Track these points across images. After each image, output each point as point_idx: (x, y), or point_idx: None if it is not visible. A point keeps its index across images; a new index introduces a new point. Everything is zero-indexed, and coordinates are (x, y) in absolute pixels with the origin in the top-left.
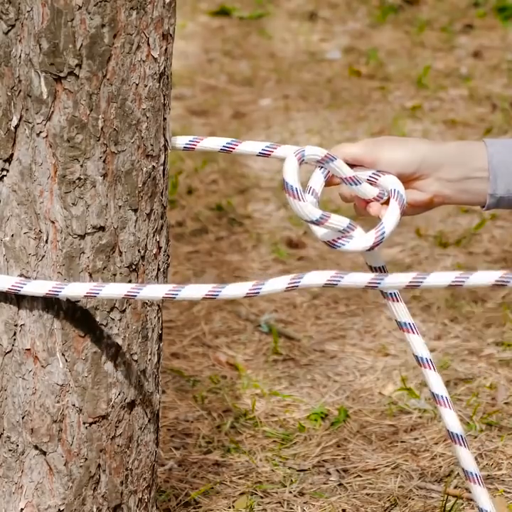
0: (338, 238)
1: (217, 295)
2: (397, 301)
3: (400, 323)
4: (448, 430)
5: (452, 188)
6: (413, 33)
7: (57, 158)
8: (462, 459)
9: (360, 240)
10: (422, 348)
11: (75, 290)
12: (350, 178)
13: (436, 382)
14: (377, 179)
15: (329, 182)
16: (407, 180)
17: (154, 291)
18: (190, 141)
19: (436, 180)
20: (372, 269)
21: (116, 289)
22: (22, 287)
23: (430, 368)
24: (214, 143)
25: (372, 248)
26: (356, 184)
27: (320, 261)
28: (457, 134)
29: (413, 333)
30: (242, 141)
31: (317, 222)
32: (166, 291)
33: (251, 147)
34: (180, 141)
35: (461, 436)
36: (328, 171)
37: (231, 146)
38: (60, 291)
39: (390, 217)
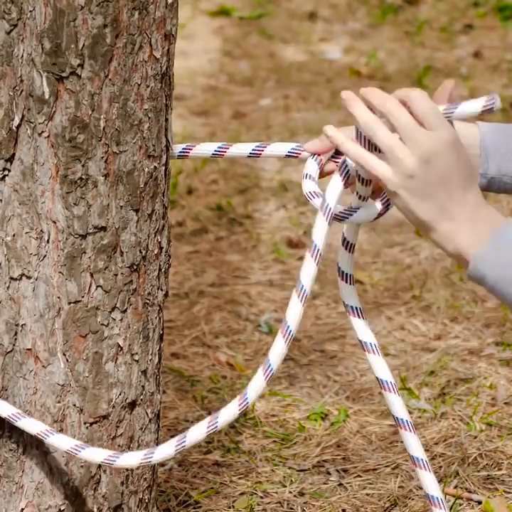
0: (345, 210)
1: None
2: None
3: (362, 341)
4: (394, 416)
5: None
6: (413, 33)
7: (58, 158)
8: (409, 446)
9: (366, 209)
10: (383, 369)
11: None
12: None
13: (398, 406)
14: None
15: (321, 172)
16: None
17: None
18: (183, 148)
19: None
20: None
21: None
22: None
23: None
24: (207, 148)
25: (378, 216)
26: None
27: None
28: None
29: (374, 353)
30: (232, 144)
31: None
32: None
33: (241, 149)
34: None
35: (408, 420)
36: (321, 160)
37: (222, 149)
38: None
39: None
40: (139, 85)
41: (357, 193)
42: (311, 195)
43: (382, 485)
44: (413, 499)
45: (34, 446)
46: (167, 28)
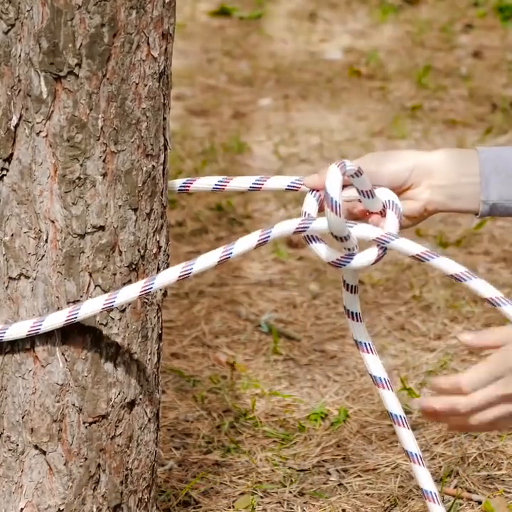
0: (342, 257)
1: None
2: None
3: (357, 341)
4: (388, 412)
5: (444, 195)
6: (413, 33)
7: (57, 157)
8: (403, 441)
9: (363, 255)
10: (378, 368)
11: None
12: (368, 191)
13: (392, 402)
14: None
15: (321, 207)
16: (400, 191)
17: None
18: (184, 183)
19: (428, 188)
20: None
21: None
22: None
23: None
24: (206, 182)
25: (376, 261)
26: (371, 197)
27: (320, 260)
28: (457, 133)
29: (370, 353)
30: (232, 178)
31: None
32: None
33: (242, 183)
34: (174, 185)
35: (401, 416)
36: (320, 195)
37: (223, 183)
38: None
39: (390, 227)
40: (137, 84)
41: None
42: (309, 239)
43: (382, 485)
44: (413, 499)
45: (33, 446)
46: (165, 27)
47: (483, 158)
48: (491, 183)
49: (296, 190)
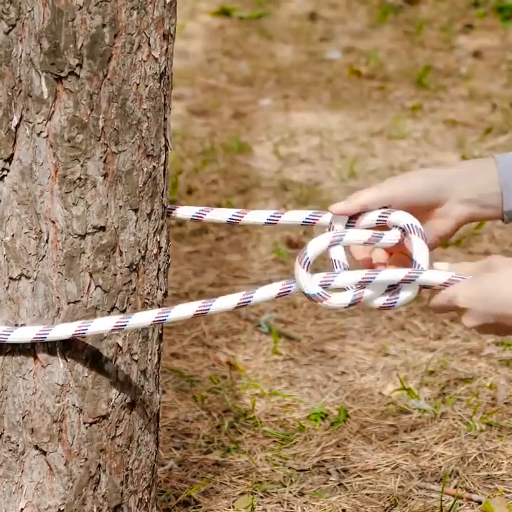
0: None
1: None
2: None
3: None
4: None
5: (473, 206)
6: (413, 33)
7: (57, 158)
8: None
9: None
10: None
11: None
12: (370, 238)
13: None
14: (386, 218)
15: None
16: (428, 209)
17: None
18: (196, 212)
19: (456, 203)
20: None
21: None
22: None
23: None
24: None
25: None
26: (379, 239)
27: (320, 260)
28: (457, 133)
29: None
30: (248, 211)
31: (313, 298)
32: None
33: (257, 217)
34: (187, 212)
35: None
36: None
37: (237, 217)
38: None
39: (421, 253)
40: (138, 85)
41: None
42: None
43: (382, 485)
44: (413, 499)
45: (34, 447)
46: (166, 28)
47: (502, 167)
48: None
49: (312, 225)
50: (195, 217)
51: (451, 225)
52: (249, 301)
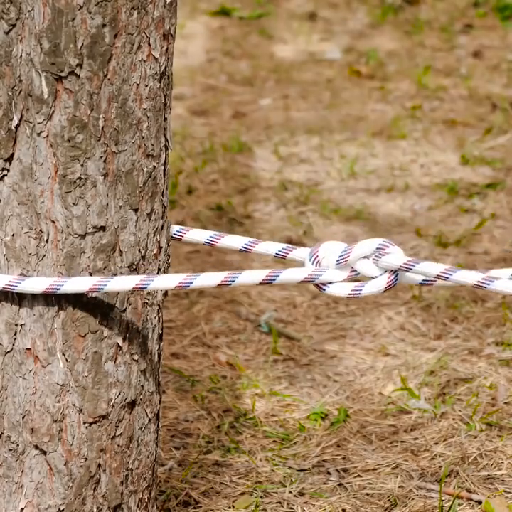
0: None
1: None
2: None
3: None
4: None
5: None
6: (413, 33)
7: (57, 157)
8: None
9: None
10: None
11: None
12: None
13: None
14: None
15: None
16: None
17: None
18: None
19: None
20: None
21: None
22: (19, 283)
23: None
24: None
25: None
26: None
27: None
28: (457, 133)
29: None
30: (225, 235)
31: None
32: (179, 280)
33: (233, 242)
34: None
35: None
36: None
37: (215, 239)
38: (60, 288)
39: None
40: (138, 85)
41: None
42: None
43: (382, 485)
44: (413, 499)
45: (34, 446)
46: (166, 28)
47: None
48: None
49: (284, 258)
50: (176, 236)
51: None
52: (274, 280)
